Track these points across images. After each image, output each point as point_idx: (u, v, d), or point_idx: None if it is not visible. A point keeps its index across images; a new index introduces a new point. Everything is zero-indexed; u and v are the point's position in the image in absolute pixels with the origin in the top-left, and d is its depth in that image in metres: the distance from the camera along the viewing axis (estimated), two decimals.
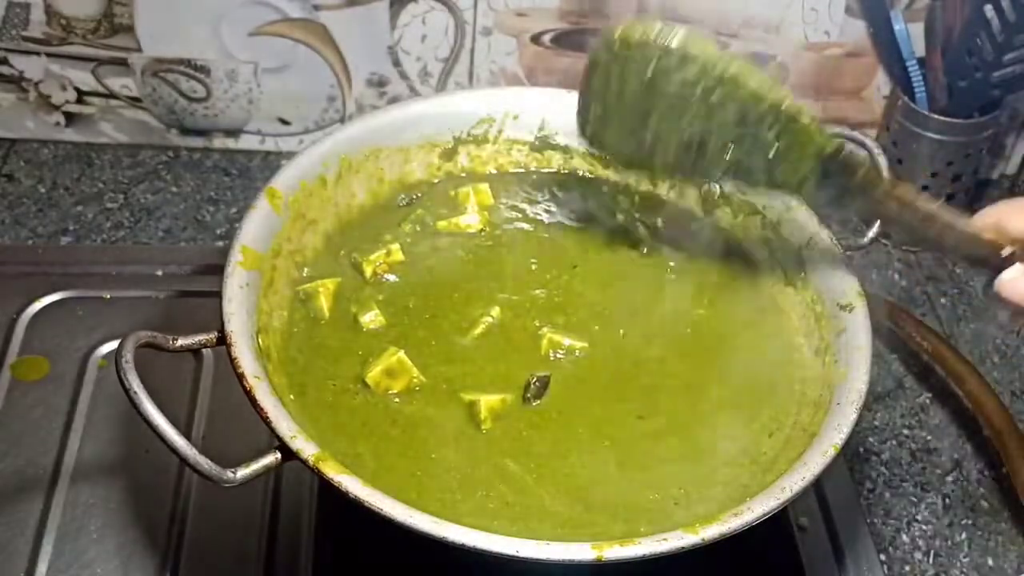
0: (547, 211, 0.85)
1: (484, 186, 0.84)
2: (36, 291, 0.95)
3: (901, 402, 0.97)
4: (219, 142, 1.15)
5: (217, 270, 0.69)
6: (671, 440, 0.68)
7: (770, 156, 0.66)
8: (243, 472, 0.57)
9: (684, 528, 0.57)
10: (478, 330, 0.74)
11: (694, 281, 0.79)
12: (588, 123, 0.71)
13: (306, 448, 0.58)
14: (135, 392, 0.55)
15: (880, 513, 0.87)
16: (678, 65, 0.64)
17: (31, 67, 1.08)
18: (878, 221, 0.76)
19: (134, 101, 1.11)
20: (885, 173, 0.76)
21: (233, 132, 1.14)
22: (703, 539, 0.57)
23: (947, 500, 0.89)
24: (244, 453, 0.59)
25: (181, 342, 0.62)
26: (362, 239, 0.80)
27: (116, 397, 0.83)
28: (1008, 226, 0.60)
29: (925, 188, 1.08)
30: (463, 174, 0.87)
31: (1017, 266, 0.58)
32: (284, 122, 1.13)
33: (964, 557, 0.85)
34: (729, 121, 0.65)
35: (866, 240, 0.76)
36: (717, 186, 0.72)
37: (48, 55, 1.07)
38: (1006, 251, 0.59)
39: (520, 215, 0.84)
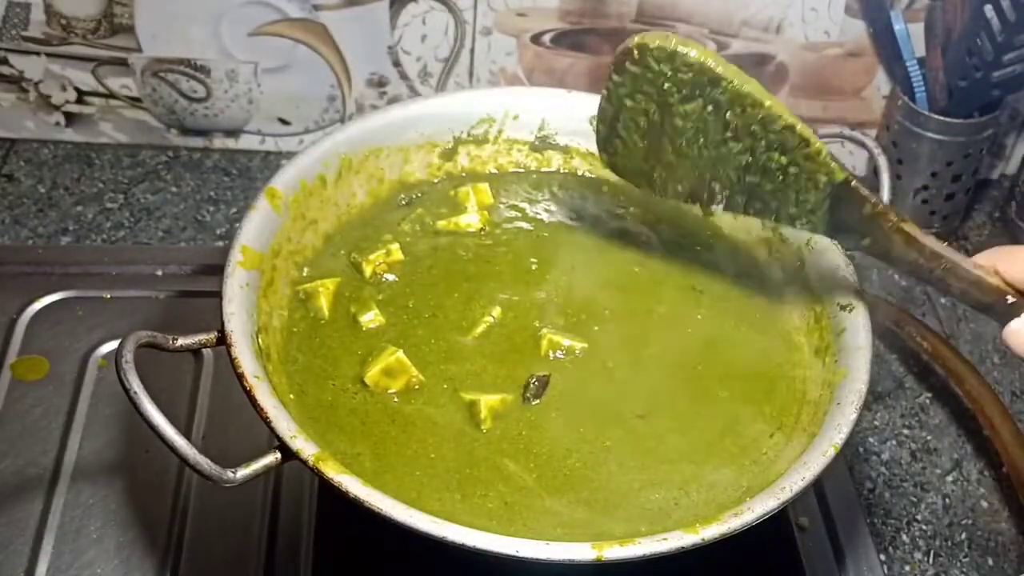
0: (547, 211, 0.85)
1: (484, 186, 0.84)
2: (36, 291, 0.95)
3: (901, 402, 0.97)
4: (219, 142, 1.15)
5: (217, 270, 0.69)
6: (671, 440, 0.68)
7: (781, 182, 0.66)
8: (243, 472, 0.57)
9: (684, 528, 0.57)
10: (478, 330, 0.74)
11: (694, 281, 0.79)
12: (606, 151, 0.73)
13: (306, 448, 0.58)
14: (135, 392, 0.55)
15: (880, 513, 0.87)
16: (694, 79, 0.65)
17: (31, 67, 1.08)
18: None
19: (134, 101, 1.11)
20: (885, 173, 0.77)
21: (233, 132, 1.14)
22: (703, 539, 0.57)
23: (947, 500, 0.89)
24: (244, 453, 0.59)
25: (181, 342, 0.62)
26: (362, 239, 0.80)
27: (116, 397, 0.84)
28: (1005, 273, 0.60)
29: (925, 188, 1.08)
30: (463, 174, 0.87)
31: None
32: (284, 122, 1.13)
33: (964, 557, 0.85)
34: (742, 144, 0.66)
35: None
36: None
37: (48, 55, 1.07)
38: (1010, 299, 0.59)
39: (520, 215, 0.84)
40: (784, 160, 0.65)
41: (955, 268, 0.62)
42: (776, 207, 0.68)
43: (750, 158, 0.66)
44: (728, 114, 0.65)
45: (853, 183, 0.65)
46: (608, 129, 0.72)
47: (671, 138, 0.68)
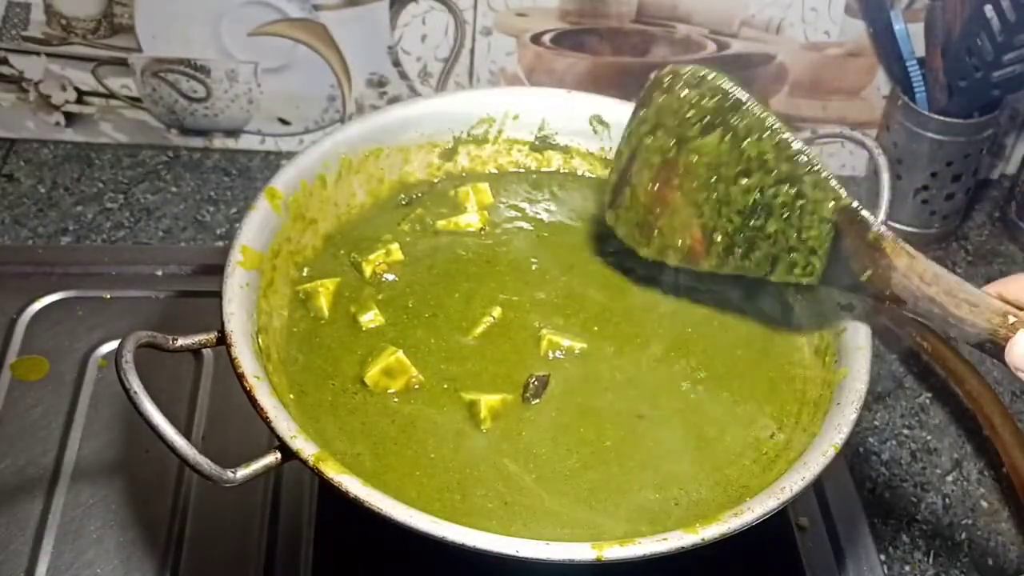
0: (547, 211, 0.85)
1: (484, 185, 0.84)
2: (36, 291, 0.95)
3: (901, 402, 0.97)
4: (219, 142, 1.15)
5: (217, 270, 0.69)
6: (671, 440, 0.68)
7: (785, 220, 0.67)
8: (243, 472, 0.57)
9: (684, 528, 0.57)
10: (478, 330, 0.74)
11: (694, 281, 0.79)
12: (612, 204, 0.75)
13: (306, 448, 0.58)
14: (135, 392, 0.55)
15: (880, 513, 0.87)
16: (717, 104, 0.67)
17: (31, 67, 1.08)
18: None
19: (134, 101, 1.11)
20: (885, 173, 0.77)
21: (233, 132, 1.14)
22: (703, 539, 0.57)
23: (947, 500, 0.89)
24: (244, 453, 0.59)
25: (181, 342, 0.62)
26: (362, 239, 0.80)
27: (116, 397, 0.84)
28: (1007, 295, 0.59)
29: (925, 188, 1.08)
30: (463, 174, 0.87)
31: None
32: (284, 122, 1.14)
33: (964, 557, 0.85)
34: (751, 181, 0.67)
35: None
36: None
37: (48, 55, 1.07)
38: (1012, 318, 0.58)
39: (520, 215, 0.84)
40: (792, 192, 0.66)
41: (953, 289, 0.61)
42: (775, 253, 0.68)
43: (758, 195, 0.67)
44: (745, 143, 0.67)
45: (859, 207, 0.65)
46: (620, 177, 0.74)
47: (682, 179, 0.70)
